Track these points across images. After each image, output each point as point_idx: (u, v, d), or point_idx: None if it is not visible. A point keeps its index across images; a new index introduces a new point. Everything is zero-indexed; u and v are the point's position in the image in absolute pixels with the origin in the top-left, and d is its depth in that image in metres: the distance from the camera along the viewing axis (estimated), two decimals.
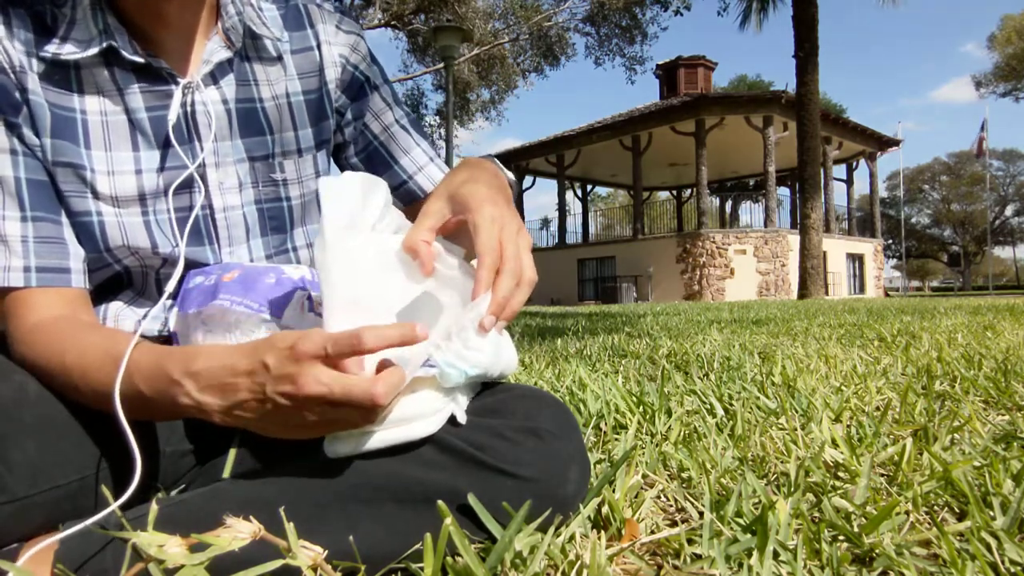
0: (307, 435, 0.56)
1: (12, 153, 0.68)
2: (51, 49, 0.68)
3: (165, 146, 0.74)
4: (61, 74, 0.70)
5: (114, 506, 0.54)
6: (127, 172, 0.73)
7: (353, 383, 0.52)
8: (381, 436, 0.58)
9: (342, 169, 0.92)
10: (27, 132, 0.69)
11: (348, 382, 0.52)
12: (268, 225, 0.82)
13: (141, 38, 0.73)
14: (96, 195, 0.72)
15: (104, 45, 0.69)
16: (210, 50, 0.75)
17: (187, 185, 0.76)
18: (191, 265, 0.77)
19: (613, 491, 0.75)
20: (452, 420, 0.63)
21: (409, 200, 0.91)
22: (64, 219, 0.72)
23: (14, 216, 0.68)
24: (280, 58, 0.81)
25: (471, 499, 0.59)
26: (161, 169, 0.74)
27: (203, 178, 0.76)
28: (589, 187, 24.71)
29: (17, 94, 0.68)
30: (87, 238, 0.73)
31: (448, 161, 8.64)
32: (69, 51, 0.69)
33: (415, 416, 0.59)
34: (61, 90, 0.70)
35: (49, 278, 0.69)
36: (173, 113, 0.73)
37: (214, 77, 0.76)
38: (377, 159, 0.90)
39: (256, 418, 0.55)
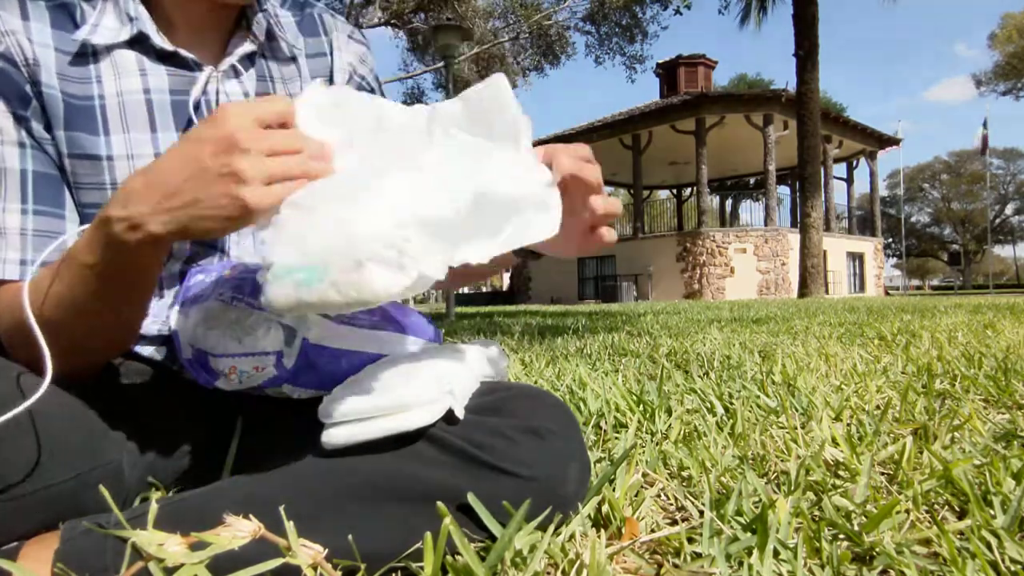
0: (258, 201, 0.50)
1: (20, 145, 0.68)
2: (81, 35, 0.70)
3: (186, 128, 0.75)
4: (81, 62, 0.71)
5: (28, 403, 0.53)
6: (147, 156, 0.73)
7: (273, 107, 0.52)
8: (377, 425, 0.58)
9: None
10: (36, 126, 0.69)
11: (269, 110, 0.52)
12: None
13: (168, 30, 0.75)
14: (115, 185, 0.72)
15: (135, 32, 0.71)
16: (234, 44, 0.77)
17: None
18: (198, 253, 0.78)
19: (613, 490, 0.75)
20: (451, 418, 0.63)
21: None
22: (68, 213, 0.72)
23: (15, 208, 0.68)
24: (294, 59, 0.83)
25: (471, 498, 0.59)
26: None
27: None
28: None
29: (28, 87, 0.68)
30: None
31: None
32: (100, 36, 0.70)
33: (410, 405, 0.59)
34: (80, 80, 0.71)
35: None
36: (195, 94, 0.74)
37: (236, 71, 0.78)
38: None
39: (194, 203, 0.51)
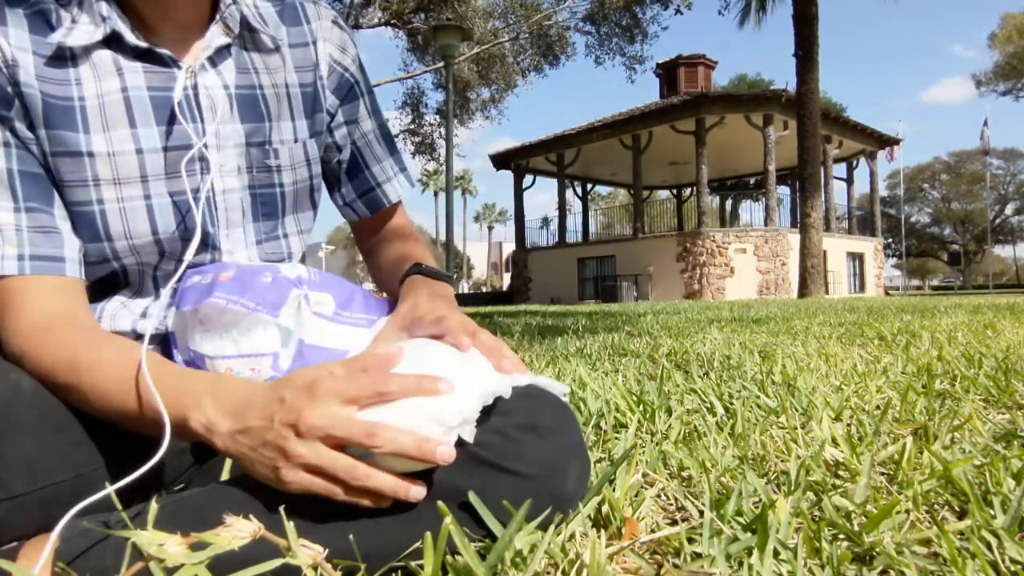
0: (289, 480, 0.55)
1: (5, 145, 0.69)
2: (56, 38, 0.70)
3: (168, 124, 0.75)
4: (59, 65, 0.71)
5: (131, 478, 0.54)
6: (128, 152, 0.73)
7: (356, 423, 0.54)
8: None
9: (331, 171, 0.94)
10: (19, 126, 0.69)
11: (352, 422, 0.54)
12: (260, 211, 0.83)
13: (143, 28, 0.75)
14: (97, 182, 0.73)
15: (108, 31, 0.71)
16: (209, 37, 0.77)
17: (190, 166, 0.76)
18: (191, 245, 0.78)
19: (613, 490, 0.75)
20: None
21: (375, 207, 0.96)
22: (57, 211, 0.72)
23: (8, 207, 0.69)
24: (278, 48, 0.83)
25: (472, 498, 0.59)
26: (164, 149, 0.75)
27: (204, 160, 0.78)
28: (589, 186, 24.72)
29: (10, 88, 0.69)
30: (88, 228, 0.73)
31: (448, 160, 8.62)
32: (74, 38, 0.70)
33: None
34: (58, 81, 0.71)
35: (43, 266, 0.69)
36: (178, 92, 0.74)
37: (213, 63, 0.78)
38: (351, 163, 0.94)
39: (250, 447, 0.56)
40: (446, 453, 0.55)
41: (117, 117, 0.73)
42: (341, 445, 0.54)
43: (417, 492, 0.56)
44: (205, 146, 0.76)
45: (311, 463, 0.54)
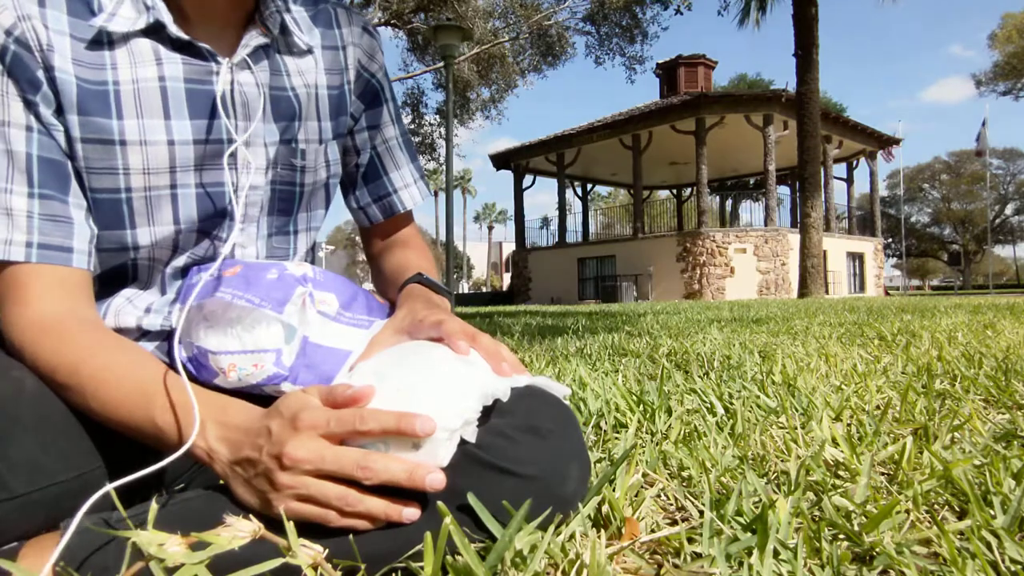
0: (282, 510, 0.55)
1: (28, 129, 0.68)
2: (98, 22, 0.70)
3: (202, 117, 0.75)
4: (96, 50, 0.71)
5: (121, 482, 0.54)
6: (160, 143, 0.73)
7: (345, 456, 0.55)
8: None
9: (348, 174, 0.95)
10: (44, 111, 0.69)
11: (341, 455, 0.55)
12: (276, 206, 0.84)
13: (181, 22, 0.75)
14: (127, 171, 0.73)
15: (152, 20, 0.72)
16: (248, 36, 0.78)
17: (217, 161, 0.77)
18: (203, 238, 0.79)
19: (613, 490, 0.75)
20: None
21: (389, 212, 0.97)
22: (72, 199, 0.71)
23: (22, 191, 0.68)
24: (311, 51, 0.84)
25: (471, 499, 0.59)
26: (196, 142, 0.75)
27: (233, 155, 0.78)
28: (589, 186, 24.72)
29: (40, 73, 0.68)
30: (112, 215, 0.73)
31: (448, 160, 8.63)
32: (116, 24, 0.71)
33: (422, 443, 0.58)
34: (95, 66, 0.71)
35: (50, 255, 0.69)
36: (221, 85, 0.75)
37: (249, 62, 0.78)
38: (370, 167, 0.95)
39: (245, 478, 0.57)
40: (435, 481, 0.55)
41: (152, 105, 0.73)
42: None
43: (410, 514, 0.57)
44: (246, 144, 0.77)
45: (301, 493, 0.55)
